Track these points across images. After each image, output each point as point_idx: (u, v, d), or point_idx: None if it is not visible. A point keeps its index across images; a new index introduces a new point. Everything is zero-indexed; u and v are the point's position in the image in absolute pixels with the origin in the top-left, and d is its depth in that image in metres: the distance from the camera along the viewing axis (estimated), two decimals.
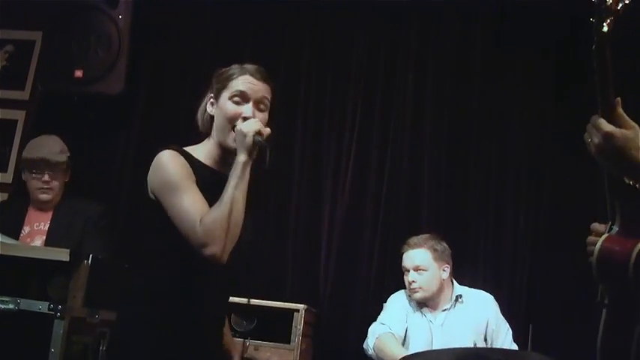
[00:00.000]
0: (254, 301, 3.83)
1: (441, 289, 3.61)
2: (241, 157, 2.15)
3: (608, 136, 1.66)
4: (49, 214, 3.66)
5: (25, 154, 3.70)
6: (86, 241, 3.52)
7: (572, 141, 3.88)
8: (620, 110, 1.69)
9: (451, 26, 4.44)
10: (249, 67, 2.32)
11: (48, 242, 3.52)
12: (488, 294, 3.66)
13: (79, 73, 4.36)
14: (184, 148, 2.27)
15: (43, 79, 4.54)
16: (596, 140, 1.68)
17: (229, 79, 2.29)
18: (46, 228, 3.61)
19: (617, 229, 1.84)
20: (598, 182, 3.76)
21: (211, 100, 2.33)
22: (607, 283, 1.86)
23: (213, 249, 2.07)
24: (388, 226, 4.24)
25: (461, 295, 3.63)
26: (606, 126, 1.67)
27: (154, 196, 2.19)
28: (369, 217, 4.28)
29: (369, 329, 3.63)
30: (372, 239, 4.24)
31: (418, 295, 3.58)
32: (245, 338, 3.72)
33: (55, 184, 3.64)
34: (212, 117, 2.32)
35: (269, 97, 2.32)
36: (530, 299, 4.00)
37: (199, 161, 2.26)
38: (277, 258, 4.29)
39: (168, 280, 2.21)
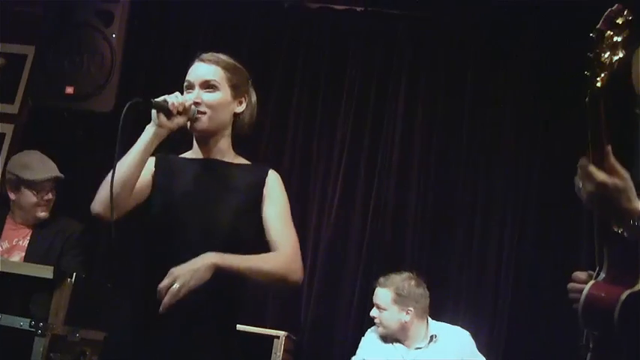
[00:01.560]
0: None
1: (403, 329, 3.64)
2: (149, 127, 2.21)
3: (601, 186, 1.69)
4: (28, 231, 3.62)
5: (31, 176, 3.57)
6: (64, 259, 3.50)
7: (558, 182, 4.01)
8: (612, 159, 1.71)
9: (443, 52, 4.50)
10: (202, 54, 2.36)
11: (27, 259, 3.48)
12: (464, 331, 3.66)
13: (70, 90, 4.35)
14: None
15: (33, 94, 4.53)
16: (588, 188, 1.71)
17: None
18: (25, 244, 3.57)
19: (604, 275, 1.87)
20: (582, 224, 3.86)
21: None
22: (593, 328, 1.88)
23: (93, 207, 2.17)
24: (372, 257, 4.26)
25: (436, 336, 3.63)
26: (599, 175, 1.69)
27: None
28: (353, 248, 4.30)
29: None
30: (354, 271, 4.25)
31: (381, 331, 3.67)
32: None
33: (49, 201, 3.61)
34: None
35: (218, 77, 2.33)
36: (510, 337, 4.01)
37: (182, 158, 2.36)
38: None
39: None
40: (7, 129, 4.68)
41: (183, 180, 2.31)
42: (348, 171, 4.40)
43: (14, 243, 3.60)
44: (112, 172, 2.10)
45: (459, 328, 3.69)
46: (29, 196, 3.58)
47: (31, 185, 3.57)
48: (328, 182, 4.42)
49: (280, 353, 3.75)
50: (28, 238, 3.61)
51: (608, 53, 1.69)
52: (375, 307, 3.68)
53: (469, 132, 4.34)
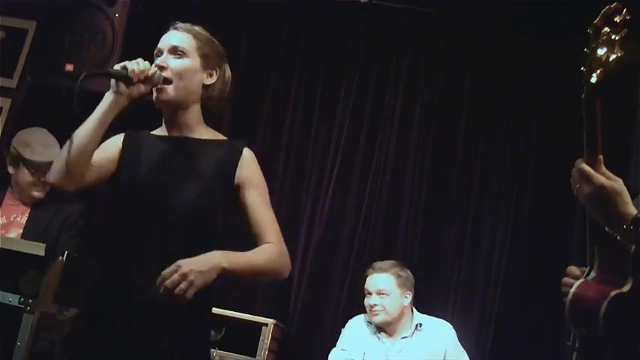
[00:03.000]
0: (223, 312, 3.84)
1: (401, 315, 3.64)
2: (107, 94, 2.21)
3: (599, 188, 1.70)
4: (27, 208, 3.61)
5: (29, 155, 3.56)
6: (62, 239, 3.49)
7: (552, 184, 4.02)
8: (602, 167, 1.73)
9: (443, 48, 4.50)
10: (177, 23, 2.34)
11: (24, 236, 3.47)
12: (447, 323, 3.68)
13: (69, 67, 4.33)
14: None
15: (32, 70, 4.51)
16: (586, 190, 1.72)
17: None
18: (23, 221, 3.56)
19: (594, 274, 1.88)
20: (574, 225, 3.87)
21: None
22: (578, 327, 1.88)
23: (49, 177, 2.15)
24: (362, 252, 4.27)
25: (421, 324, 3.65)
26: (598, 178, 1.70)
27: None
28: (345, 241, 4.31)
29: (330, 355, 3.66)
30: (345, 264, 4.27)
31: (379, 318, 3.61)
32: (213, 348, 3.72)
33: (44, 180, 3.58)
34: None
35: (188, 45, 2.28)
36: (496, 341, 4.03)
37: (151, 134, 2.29)
38: None
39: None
40: (5, 103, 4.66)
41: (149, 157, 2.24)
42: (343, 166, 4.40)
43: (12, 219, 3.59)
44: (68, 141, 2.09)
45: (441, 319, 3.71)
46: (26, 175, 3.57)
47: (29, 164, 3.55)
48: (323, 177, 4.42)
49: (268, 341, 3.77)
50: (27, 215, 3.60)
51: (605, 50, 1.68)
52: (373, 295, 3.62)
53: (465, 132, 4.34)
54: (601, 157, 1.73)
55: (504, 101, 4.35)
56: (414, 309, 3.70)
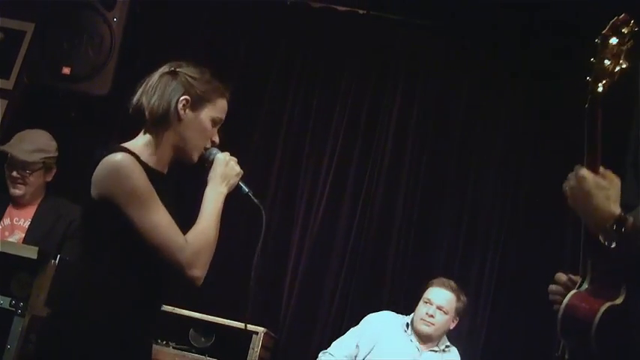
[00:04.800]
0: (214, 319, 3.83)
1: (441, 335, 3.75)
2: (223, 190, 2.16)
3: (580, 179, 1.72)
4: (31, 211, 3.61)
5: (7, 148, 3.58)
6: (67, 244, 3.47)
7: (544, 198, 4.04)
8: (603, 171, 1.74)
9: (440, 61, 4.50)
10: (225, 86, 2.25)
11: (27, 240, 3.46)
12: (456, 349, 3.78)
13: (66, 70, 4.33)
14: (128, 149, 2.09)
15: (29, 71, 4.51)
16: (570, 183, 1.74)
17: (215, 95, 2.20)
18: (26, 225, 3.56)
19: (587, 286, 1.88)
20: (566, 237, 3.89)
21: (186, 102, 2.14)
22: (570, 339, 1.89)
23: (198, 272, 2.02)
24: (354, 263, 4.26)
25: (449, 346, 3.76)
26: (582, 170, 1.72)
27: (108, 204, 2.00)
28: (337, 250, 4.30)
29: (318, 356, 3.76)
30: (337, 273, 4.26)
31: (427, 329, 3.69)
32: (203, 355, 3.72)
33: (27, 181, 3.55)
34: (179, 118, 2.14)
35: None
36: (486, 347, 4.03)
37: (147, 165, 2.10)
38: (243, 279, 4.27)
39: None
40: (1, 104, 4.65)
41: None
42: (337, 175, 4.40)
43: (15, 222, 3.59)
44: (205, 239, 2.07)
45: (454, 347, 3.79)
46: (6, 170, 3.59)
47: (5, 159, 3.57)
48: (316, 185, 4.42)
49: (258, 349, 3.75)
50: (30, 219, 3.59)
51: (611, 61, 1.69)
52: (434, 307, 3.68)
53: (460, 143, 4.35)
54: (602, 169, 1.74)
55: (500, 112, 4.36)
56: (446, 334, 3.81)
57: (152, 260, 2.03)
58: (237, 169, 2.20)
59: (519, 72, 4.37)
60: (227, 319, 3.83)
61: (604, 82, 1.70)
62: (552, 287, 1.94)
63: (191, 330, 3.89)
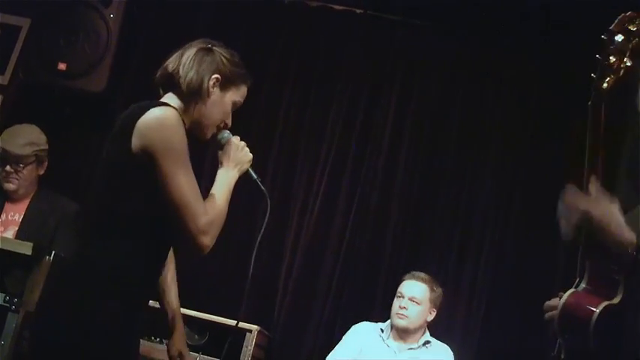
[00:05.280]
0: (208, 317, 3.83)
1: (419, 328, 3.72)
2: (235, 174, 2.24)
3: (585, 215, 1.72)
4: (24, 205, 3.59)
5: None
6: (59, 238, 3.47)
7: (540, 201, 4.05)
8: (598, 185, 1.74)
9: (437, 62, 4.50)
10: (250, 79, 2.34)
11: (20, 235, 3.45)
12: (448, 348, 3.73)
13: (62, 66, 4.33)
14: (175, 106, 2.13)
15: (25, 67, 4.50)
16: (573, 220, 1.74)
17: (242, 81, 2.30)
18: (20, 219, 3.55)
19: (584, 285, 1.89)
20: (558, 248, 3.89)
21: (217, 81, 2.21)
22: (567, 337, 1.90)
23: (208, 241, 2.05)
24: (348, 262, 4.26)
25: (429, 342, 3.72)
26: (583, 203, 1.72)
27: (146, 154, 2.01)
28: (331, 252, 4.30)
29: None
30: (331, 272, 4.26)
31: (402, 322, 3.67)
32: (197, 352, 3.71)
33: (20, 175, 3.54)
34: (208, 94, 2.20)
35: None
36: (481, 347, 4.04)
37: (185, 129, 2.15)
38: (237, 277, 4.27)
39: (141, 255, 2.09)
40: None
41: None
42: (332, 173, 4.40)
43: (10, 217, 3.58)
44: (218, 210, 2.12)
45: (445, 344, 3.75)
46: None
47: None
48: (311, 186, 4.41)
49: (252, 347, 3.75)
50: (23, 213, 3.58)
51: (617, 57, 1.70)
52: (405, 299, 3.67)
53: (456, 145, 4.36)
54: (594, 187, 1.74)
55: (497, 112, 4.36)
56: (427, 329, 3.77)
57: (167, 231, 2.08)
58: (250, 154, 2.28)
59: (517, 72, 4.37)
60: (221, 316, 3.83)
61: (609, 78, 1.70)
62: (548, 305, 1.95)
63: (185, 327, 3.88)
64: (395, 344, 3.70)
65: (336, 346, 3.77)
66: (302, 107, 4.55)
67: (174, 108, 2.09)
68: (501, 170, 4.28)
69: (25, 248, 2.77)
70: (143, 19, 4.66)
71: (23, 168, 3.55)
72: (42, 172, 3.66)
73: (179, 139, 2.04)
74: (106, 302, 2.00)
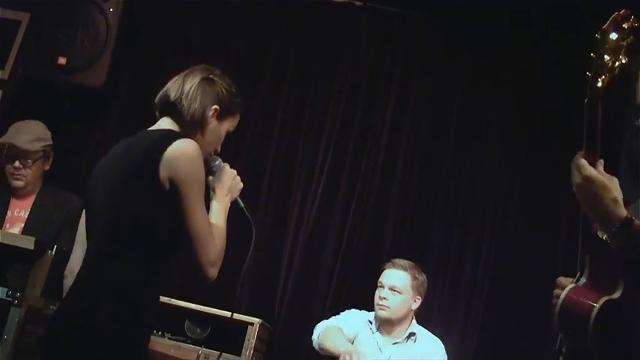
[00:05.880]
0: (210, 310, 3.84)
1: (404, 318, 3.63)
2: (227, 202, 2.32)
3: (587, 180, 1.72)
4: (29, 202, 3.61)
5: (2, 139, 3.60)
6: (64, 234, 3.48)
7: (539, 198, 4.05)
8: (601, 169, 1.74)
9: (436, 55, 4.49)
10: (243, 107, 2.42)
11: (26, 231, 3.47)
12: (439, 340, 3.66)
13: (62, 61, 4.32)
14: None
15: (24, 62, 4.49)
16: (576, 180, 1.75)
17: (238, 110, 2.38)
18: (26, 216, 3.57)
19: (585, 280, 1.89)
20: (559, 238, 3.90)
21: (215, 112, 2.29)
22: (567, 332, 1.90)
23: (215, 271, 2.14)
24: (348, 257, 4.26)
25: (414, 334, 3.65)
26: (587, 169, 1.72)
27: (173, 184, 2.07)
28: (332, 243, 4.30)
29: (316, 326, 3.72)
30: (332, 266, 4.26)
31: (384, 313, 3.59)
32: (199, 345, 3.72)
33: (28, 171, 3.57)
34: (206, 123, 2.28)
35: None
36: (480, 347, 4.03)
37: None
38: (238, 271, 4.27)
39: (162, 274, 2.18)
40: None
41: None
42: (332, 170, 4.39)
43: (16, 214, 3.60)
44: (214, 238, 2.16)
45: (436, 337, 3.67)
46: (6, 162, 3.59)
47: (1, 149, 3.57)
48: (311, 180, 4.40)
49: (253, 340, 3.76)
50: (29, 210, 3.60)
51: (611, 56, 1.70)
52: (386, 289, 3.61)
53: (455, 141, 4.35)
54: (601, 160, 1.75)
55: (496, 106, 4.35)
56: (413, 318, 3.71)
57: (178, 256, 2.15)
58: (241, 184, 2.38)
59: (516, 66, 4.35)
60: (223, 310, 3.84)
61: (604, 77, 1.70)
62: (557, 291, 1.94)
63: (187, 321, 3.90)
64: (381, 338, 3.64)
65: (333, 317, 3.75)
66: (300, 103, 4.54)
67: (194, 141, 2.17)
68: (500, 168, 4.27)
69: (27, 242, 2.78)
70: (142, 14, 4.65)
71: (32, 164, 3.57)
72: (48, 167, 3.68)
73: (201, 171, 2.13)
74: (117, 318, 2.05)
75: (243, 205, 2.40)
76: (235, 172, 2.37)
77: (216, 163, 2.36)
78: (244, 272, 2.48)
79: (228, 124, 2.35)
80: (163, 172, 2.05)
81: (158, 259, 2.13)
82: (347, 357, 3.38)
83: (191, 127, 2.25)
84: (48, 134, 3.67)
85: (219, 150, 2.38)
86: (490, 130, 4.34)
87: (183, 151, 2.08)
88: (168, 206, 2.08)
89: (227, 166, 2.37)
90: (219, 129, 2.32)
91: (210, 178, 2.32)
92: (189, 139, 2.14)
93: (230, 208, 2.35)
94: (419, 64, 4.49)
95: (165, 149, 2.07)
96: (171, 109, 2.26)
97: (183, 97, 2.25)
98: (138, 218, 2.09)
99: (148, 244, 2.10)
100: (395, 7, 4.52)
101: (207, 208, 2.22)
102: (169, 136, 2.13)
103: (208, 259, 2.09)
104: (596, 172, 1.72)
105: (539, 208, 4.10)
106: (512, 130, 4.31)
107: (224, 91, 2.32)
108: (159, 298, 2.26)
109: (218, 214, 2.24)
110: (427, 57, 4.49)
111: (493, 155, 4.30)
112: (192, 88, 2.26)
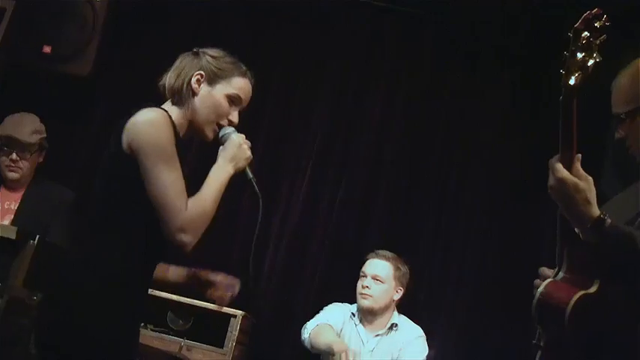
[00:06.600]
0: (192, 301, 3.84)
1: (386, 308, 3.67)
2: (229, 169, 2.22)
3: (560, 182, 1.75)
4: (20, 194, 3.59)
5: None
6: (54, 227, 3.46)
7: (526, 194, 4.08)
8: (578, 165, 1.77)
9: (426, 51, 4.51)
10: (248, 71, 2.35)
11: (15, 223, 3.42)
12: (419, 329, 3.70)
13: (47, 49, 4.29)
14: (165, 108, 2.19)
15: (9, 50, 4.45)
16: (550, 182, 1.78)
17: (232, 73, 2.29)
18: (16, 208, 3.55)
19: (562, 275, 1.92)
20: (544, 237, 3.93)
21: (200, 77, 2.25)
22: (544, 326, 1.93)
23: (188, 238, 2.06)
24: (333, 252, 4.28)
25: (396, 325, 3.68)
26: (560, 171, 1.75)
27: (132, 152, 2.07)
28: (315, 240, 4.32)
29: (305, 325, 3.72)
30: (316, 258, 4.28)
31: (366, 302, 3.63)
32: (181, 337, 3.72)
33: (25, 164, 3.55)
34: (193, 93, 2.24)
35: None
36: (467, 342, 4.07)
37: (175, 128, 2.17)
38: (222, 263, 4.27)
39: (132, 253, 2.13)
40: None
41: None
42: (318, 162, 4.41)
43: (6, 207, 3.57)
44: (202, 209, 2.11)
45: (417, 326, 3.71)
46: (3, 154, 3.57)
47: None
48: (297, 172, 4.42)
49: (236, 332, 3.76)
50: (19, 202, 3.57)
51: (584, 54, 1.71)
52: (368, 278, 3.64)
53: (444, 138, 4.37)
54: (579, 155, 1.77)
55: (487, 101, 4.38)
56: (396, 308, 3.73)
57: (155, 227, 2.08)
58: (248, 153, 2.27)
59: (507, 62, 4.38)
60: (206, 301, 3.83)
61: (577, 74, 1.72)
62: (537, 282, 1.97)
63: (169, 312, 3.89)
64: (363, 330, 3.67)
65: (320, 314, 3.75)
66: (289, 95, 4.55)
67: (163, 110, 2.14)
68: (490, 161, 4.30)
69: (10, 232, 2.76)
70: (130, 3, 4.62)
71: (30, 156, 3.55)
72: (41, 159, 3.66)
73: (164, 137, 2.07)
74: (104, 299, 2.05)
75: (251, 177, 2.30)
76: (242, 141, 2.27)
77: (227, 132, 2.27)
78: (255, 243, 2.40)
79: (224, 89, 2.26)
80: (125, 140, 2.07)
81: (137, 234, 2.11)
82: (343, 355, 3.40)
83: (181, 100, 2.24)
84: (43, 127, 3.65)
85: (235, 121, 2.29)
86: (479, 126, 4.36)
87: (143, 117, 2.08)
88: (137, 176, 2.06)
89: (235, 135, 2.27)
90: (212, 94, 2.25)
91: (220, 148, 2.27)
92: (155, 108, 2.13)
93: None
94: (408, 60, 4.50)
95: (130, 118, 2.09)
96: (166, 91, 2.28)
97: (166, 76, 2.28)
98: (114, 194, 2.12)
99: (125, 220, 2.10)
100: (385, 2, 4.52)
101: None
102: (140, 108, 2.12)
103: (175, 224, 2.03)
104: (569, 174, 1.75)
105: (527, 200, 4.12)
106: (502, 125, 4.33)
107: (208, 58, 2.28)
108: (147, 280, 2.22)
109: (211, 180, 2.17)
110: (417, 53, 4.50)
111: (483, 149, 4.33)
112: (177, 64, 2.29)
